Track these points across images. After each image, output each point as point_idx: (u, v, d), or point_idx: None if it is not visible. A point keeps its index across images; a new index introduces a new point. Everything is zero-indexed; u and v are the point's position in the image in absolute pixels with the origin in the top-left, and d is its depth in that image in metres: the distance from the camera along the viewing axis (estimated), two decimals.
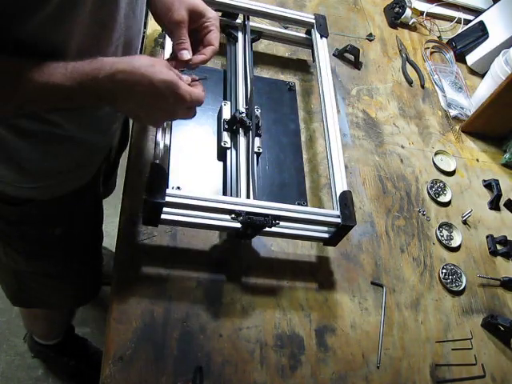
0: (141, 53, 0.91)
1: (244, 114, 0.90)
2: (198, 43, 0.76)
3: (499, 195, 1.12)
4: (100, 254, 1.13)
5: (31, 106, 0.61)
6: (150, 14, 1.10)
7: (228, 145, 0.90)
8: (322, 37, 1.11)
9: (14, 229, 0.86)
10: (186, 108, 0.69)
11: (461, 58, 1.44)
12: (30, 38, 0.58)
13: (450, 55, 1.43)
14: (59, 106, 0.64)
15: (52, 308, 1.17)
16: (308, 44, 1.15)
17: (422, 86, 1.31)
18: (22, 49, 0.58)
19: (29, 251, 0.91)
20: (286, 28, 1.20)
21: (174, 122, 0.85)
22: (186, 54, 0.73)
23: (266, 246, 0.88)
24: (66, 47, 0.62)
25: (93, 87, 0.61)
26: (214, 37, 0.76)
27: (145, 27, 1.05)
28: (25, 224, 0.85)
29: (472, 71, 1.43)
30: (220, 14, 1.08)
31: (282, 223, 0.80)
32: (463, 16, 1.53)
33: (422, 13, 1.50)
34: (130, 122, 1.01)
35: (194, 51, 0.75)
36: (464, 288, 0.97)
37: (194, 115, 0.72)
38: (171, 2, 0.75)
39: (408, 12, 1.41)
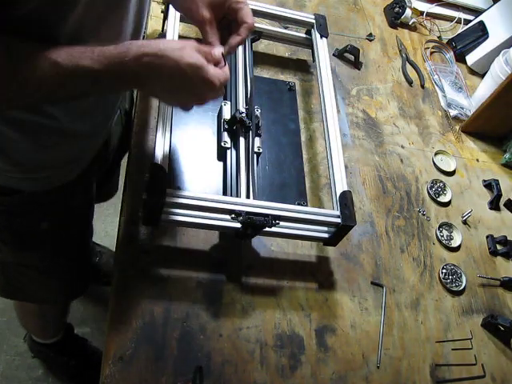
0: None
1: (244, 114, 0.90)
2: (231, 26, 0.76)
3: (499, 195, 1.12)
4: (89, 250, 1.11)
5: (60, 91, 0.61)
6: (149, 14, 1.10)
7: (228, 145, 0.90)
8: (322, 37, 1.11)
9: (1, 218, 0.85)
10: (214, 91, 0.68)
11: (461, 58, 1.44)
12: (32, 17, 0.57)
13: (450, 55, 1.43)
14: (88, 91, 0.63)
15: (39, 302, 1.16)
16: (308, 44, 1.15)
17: (422, 86, 1.31)
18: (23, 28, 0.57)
19: (15, 242, 0.90)
20: (285, 28, 1.20)
21: (174, 122, 0.85)
22: (218, 52, 0.72)
23: (266, 246, 0.88)
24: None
25: (120, 70, 0.61)
26: (245, 13, 0.75)
27: (145, 27, 1.06)
28: (12, 214, 0.85)
29: (472, 71, 1.43)
30: None
31: (282, 223, 0.80)
32: (463, 16, 1.53)
33: (422, 13, 1.50)
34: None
35: (230, 34, 0.75)
36: (464, 288, 0.97)
37: (223, 94, 0.72)
38: (191, 1, 0.75)
39: (408, 12, 1.41)
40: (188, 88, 0.65)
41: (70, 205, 0.91)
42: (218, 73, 0.66)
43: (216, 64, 0.68)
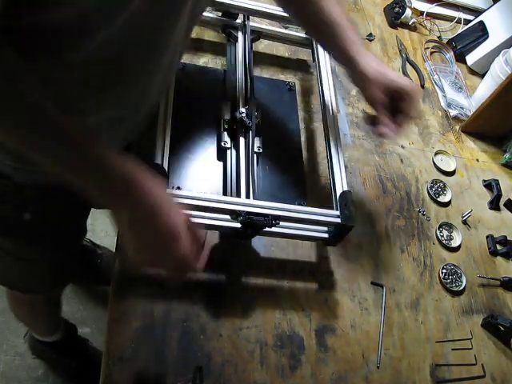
0: None
1: (244, 114, 0.90)
2: (395, 108, 0.83)
3: (499, 195, 1.12)
4: (77, 248, 1.07)
5: (30, 144, 0.57)
6: None
7: (228, 145, 0.90)
8: None
9: None
10: (173, 262, 0.64)
11: (461, 58, 1.44)
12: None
13: (450, 55, 1.42)
14: (56, 166, 0.59)
15: (17, 289, 1.14)
16: (308, 44, 1.15)
17: (422, 86, 1.31)
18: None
19: None
20: (286, 28, 1.20)
21: (174, 122, 0.85)
22: (386, 131, 0.81)
23: (265, 246, 0.88)
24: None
25: (103, 166, 0.58)
26: (407, 106, 0.82)
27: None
28: None
29: (472, 71, 1.43)
30: (220, 13, 1.09)
31: (282, 223, 0.80)
32: (463, 16, 1.53)
33: (422, 13, 1.50)
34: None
35: (393, 115, 0.83)
36: (464, 288, 0.97)
37: (180, 277, 0.69)
38: (363, 80, 0.82)
39: (408, 12, 1.41)
40: (150, 239, 0.62)
41: (58, 203, 0.88)
42: (185, 251, 0.62)
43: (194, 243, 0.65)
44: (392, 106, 0.83)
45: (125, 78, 0.66)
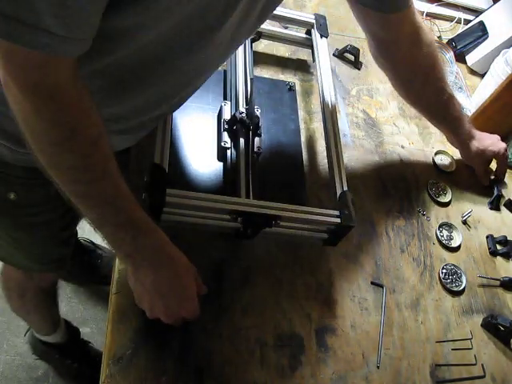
0: None
1: (244, 114, 0.90)
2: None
3: (499, 195, 1.12)
4: (66, 238, 1.07)
5: (74, 197, 0.63)
6: None
7: (228, 145, 0.90)
8: (322, 37, 1.11)
9: None
10: (182, 318, 0.72)
11: (461, 58, 1.44)
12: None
13: (450, 55, 1.42)
14: (103, 226, 0.66)
15: (2, 260, 1.13)
16: (308, 44, 1.15)
17: None
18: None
19: None
20: (286, 28, 1.20)
21: (174, 122, 0.85)
22: (486, 183, 1.14)
23: (266, 246, 0.88)
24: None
25: (130, 236, 0.65)
26: (501, 166, 1.13)
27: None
28: None
29: (472, 71, 1.43)
30: None
31: (282, 223, 0.80)
32: (463, 16, 1.53)
33: (422, 13, 1.49)
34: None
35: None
36: (464, 288, 0.97)
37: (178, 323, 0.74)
38: (472, 158, 1.11)
39: None
40: (167, 298, 0.69)
41: (47, 188, 0.87)
42: (195, 308, 0.71)
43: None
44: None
45: (152, 79, 0.68)
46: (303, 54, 1.21)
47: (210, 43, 0.64)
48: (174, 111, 0.87)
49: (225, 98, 0.99)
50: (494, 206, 1.13)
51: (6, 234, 0.97)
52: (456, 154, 1.19)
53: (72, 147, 0.57)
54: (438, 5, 1.54)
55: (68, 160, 0.59)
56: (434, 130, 1.23)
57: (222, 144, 0.90)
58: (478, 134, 1.09)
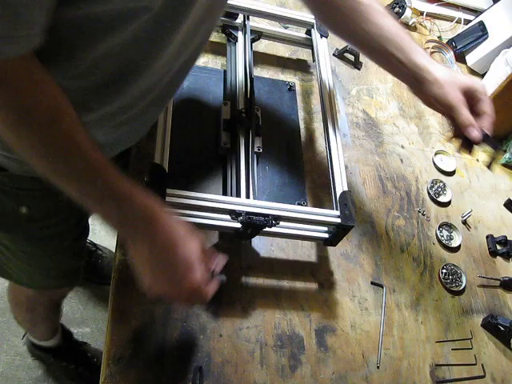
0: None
1: (244, 114, 0.90)
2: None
3: (496, 149, 0.96)
4: (78, 249, 1.07)
5: (53, 172, 0.59)
6: None
7: (228, 145, 0.90)
8: (322, 37, 1.11)
9: None
10: (187, 293, 0.65)
11: (461, 58, 1.44)
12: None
13: (450, 55, 1.42)
14: (83, 197, 0.61)
15: (13, 281, 1.12)
16: (308, 44, 1.15)
17: None
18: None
19: None
20: (286, 28, 1.20)
21: (174, 122, 0.85)
22: (475, 133, 0.79)
23: (265, 246, 0.88)
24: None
25: (125, 202, 0.60)
26: (488, 107, 0.82)
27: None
28: None
29: (472, 71, 1.43)
30: None
31: (282, 223, 0.80)
32: (463, 16, 1.53)
33: (422, 13, 1.49)
34: None
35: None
36: (464, 288, 0.97)
37: (192, 304, 0.71)
38: (442, 87, 0.80)
39: (408, 12, 1.41)
40: (167, 270, 0.63)
41: (58, 198, 0.87)
42: (201, 281, 0.64)
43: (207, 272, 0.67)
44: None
45: (128, 76, 0.66)
46: (303, 54, 1.21)
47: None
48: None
49: (225, 98, 0.99)
50: (489, 165, 0.97)
51: (19, 251, 0.96)
52: (456, 154, 1.20)
53: (29, 126, 0.56)
54: (438, 5, 1.54)
55: (27, 139, 0.57)
56: (433, 129, 1.23)
57: (222, 144, 0.90)
58: (445, 67, 0.84)
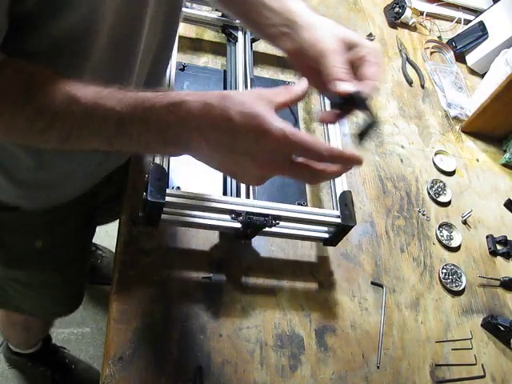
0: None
1: None
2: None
3: (371, 124, 0.66)
4: (85, 270, 1.10)
5: (77, 137, 0.52)
6: None
7: None
8: None
9: None
10: (286, 155, 0.51)
11: (461, 58, 1.44)
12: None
13: (450, 55, 1.42)
14: (110, 141, 0.53)
15: (25, 314, 1.14)
16: None
17: (422, 86, 1.31)
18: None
19: (7, 259, 0.89)
20: None
21: None
22: (342, 86, 0.57)
23: (265, 246, 0.88)
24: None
25: (150, 117, 0.50)
26: (372, 70, 0.60)
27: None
28: (6, 230, 0.83)
29: (472, 71, 1.43)
30: (220, 14, 1.09)
31: (281, 223, 0.80)
32: (463, 16, 1.53)
33: (422, 13, 1.50)
34: None
35: None
36: (464, 288, 0.97)
37: (315, 177, 0.55)
38: (316, 33, 0.62)
39: (408, 12, 1.41)
40: (241, 146, 0.50)
41: (67, 225, 0.89)
42: (283, 125, 0.50)
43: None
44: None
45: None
46: None
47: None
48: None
49: None
50: (359, 139, 0.66)
51: (34, 284, 0.97)
52: (456, 154, 1.20)
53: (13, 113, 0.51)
54: (438, 5, 1.54)
55: (19, 123, 0.52)
56: (433, 130, 1.23)
57: None
58: (329, 20, 0.66)
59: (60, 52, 0.53)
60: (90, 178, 0.84)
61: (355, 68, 0.61)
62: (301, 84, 0.55)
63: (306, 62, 0.63)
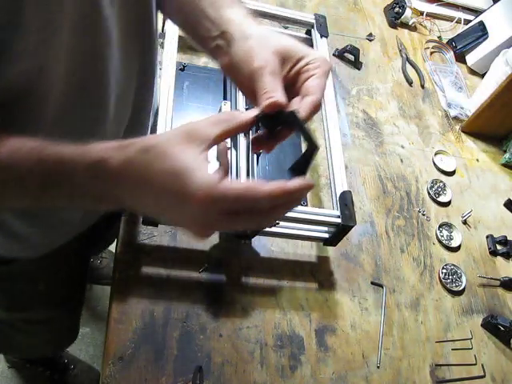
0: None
1: None
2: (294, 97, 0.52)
3: (309, 155, 0.56)
4: (83, 302, 1.11)
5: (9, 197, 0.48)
6: None
7: (228, 145, 0.90)
8: (322, 37, 1.11)
9: None
10: (218, 213, 0.44)
11: (461, 58, 1.44)
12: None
13: (450, 55, 1.42)
14: (42, 202, 0.49)
15: (25, 356, 1.16)
16: (308, 44, 1.15)
17: (422, 86, 1.31)
18: None
19: (11, 305, 0.89)
20: (285, 28, 1.20)
21: (175, 121, 0.85)
22: (268, 101, 0.49)
23: (265, 246, 0.88)
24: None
25: (71, 183, 0.45)
26: (315, 84, 0.51)
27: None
28: (8, 280, 0.83)
29: (472, 71, 1.43)
30: None
31: (281, 223, 0.80)
32: (463, 16, 1.53)
33: (422, 13, 1.50)
34: None
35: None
36: (464, 288, 0.97)
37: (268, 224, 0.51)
38: (250, 47, 0.53)
39: (408, 12, 1.41)
40: (168, 212, 0.46)
41: (68, 263, 0.89)
42: (207, 184, 0.43)
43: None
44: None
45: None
46: None
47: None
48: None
49: (225, 98, 0.99)
50: (298, 171, 0.55)
51: (38, 323, 0.98)
52: (456, 154, 1.20)
53: None
54: (438, 5, 1.54)
55: None
56: (433, 129, 1.23)
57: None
58: (270, 29, 0.58)
59: (8, 106, 0.48)
60: (87, 218, 0.82)
61: (298, 83, 0.53)
62: (250, 113, 0.48)
63: (239, 79, 0.55)
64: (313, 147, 0.50)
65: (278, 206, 0.45)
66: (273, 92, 0.50)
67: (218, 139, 0.48)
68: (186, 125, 0.46)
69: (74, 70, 0.50)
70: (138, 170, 0.44)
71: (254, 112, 0.49)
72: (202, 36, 0.58)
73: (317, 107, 0.51)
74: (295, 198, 0.46)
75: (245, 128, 0.48)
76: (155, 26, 0.64)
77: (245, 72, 0.53)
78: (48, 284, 0.87)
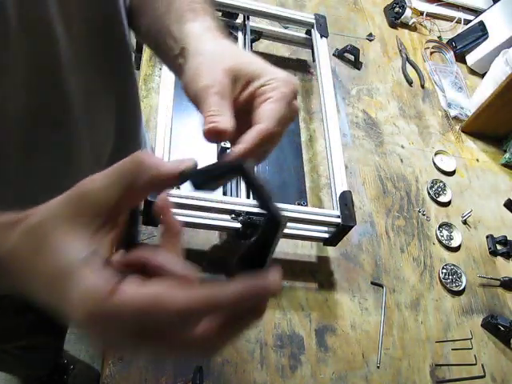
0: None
1: None
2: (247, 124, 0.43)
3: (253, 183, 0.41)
4: (63, 333, 1.11)
5: None
6: None
7: (228, 145, 0.90)
8: (322, 37, 1.11)
9: None
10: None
11: (461, 58, 1.44)
12: None
13: (450, 55, 1.42)
14: None
15: (10, 373, 1.16)
16: (308, 44, 1.15)
17: (422, 86, 1.31)
18: None
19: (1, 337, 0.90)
20: (286, 28, 1.20)
21: (174, 121, 0.85)
22: (210, 126, 0.40)
23: None
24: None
25: None
26: (267, 109, 0.43)
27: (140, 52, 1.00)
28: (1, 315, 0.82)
29: (472, 71, 1.43)
30: (220, 14, 1.09)
31: None
32: (463, 16, 1.53)
33: (422, 13, 1.50)
34: None
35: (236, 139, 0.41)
36: (464, 288, 0.97)
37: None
38: (199, 64, 0.45)
39: (408, 12, 1.41)
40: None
41: None
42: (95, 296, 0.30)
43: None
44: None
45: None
46: (303, 54, 1.21)
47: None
48: None
49: None
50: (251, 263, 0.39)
51: (32, 347, 0.99)
52: (456, 154, 1.20)
53: None
54: (438, 5, 1.54)
55: None
56: (433, 130, 1.23)
57: (222, 144, 0.90)
58: (232, 43, 0.48)
59: None
60: None
61: (253, 108, 0.44)
62: (173, 164, 0.35)
63: (191, 102, 0.47)
64: (275, 221, 0.33)
65: (212, 326, 0.32)
66: (217, 116, 0.40)
67: (120, 207, 0.34)
68: (77, 186, 0.33)
69: (34, 96, 0.46)
70: (22, 263, 0.34)
71: (181, 164, 0.35)
72: (166, 55, 0.51)
73: (265, 139, 0.41)
74: (243, 311, 0.33)
75: (162, 187, 0.36)
76: (129, 53, 0.59)
77: (191, 93, 0.46)
78: (37, 312, 0.86)
